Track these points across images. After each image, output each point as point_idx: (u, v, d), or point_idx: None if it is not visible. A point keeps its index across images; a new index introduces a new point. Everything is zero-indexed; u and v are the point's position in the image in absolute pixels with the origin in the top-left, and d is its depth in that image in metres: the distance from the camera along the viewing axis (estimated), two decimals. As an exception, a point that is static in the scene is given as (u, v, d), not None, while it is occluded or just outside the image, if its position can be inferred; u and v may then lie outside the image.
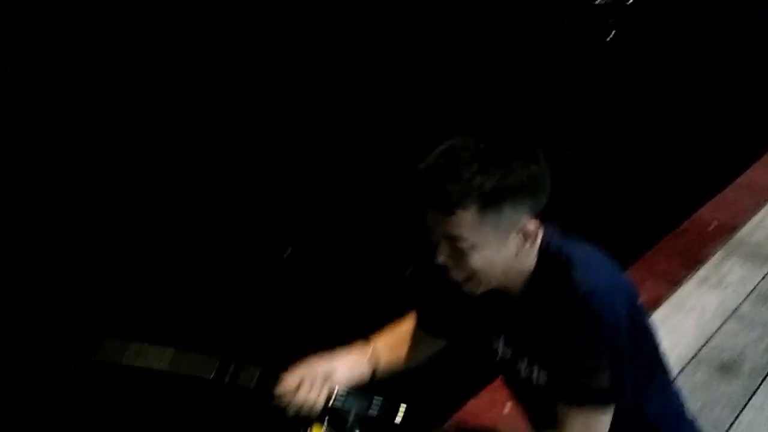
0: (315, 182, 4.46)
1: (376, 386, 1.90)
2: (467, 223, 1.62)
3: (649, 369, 1.86)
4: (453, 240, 1.66)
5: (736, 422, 2.79)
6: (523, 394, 1.91)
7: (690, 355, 3.12)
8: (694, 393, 2.86)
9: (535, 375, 1.79)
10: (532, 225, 1.68)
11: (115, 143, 4.95)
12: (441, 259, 1.70)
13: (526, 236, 1.68)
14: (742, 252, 3.90)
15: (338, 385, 1.85)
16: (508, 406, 2.73)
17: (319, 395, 1.82)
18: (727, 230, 4.08)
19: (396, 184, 4.32)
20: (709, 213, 4.25)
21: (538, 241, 1.72)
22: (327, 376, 1.85)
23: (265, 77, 5.62)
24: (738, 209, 4.30)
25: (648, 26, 7.45)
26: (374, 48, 5.86)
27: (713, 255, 3.85)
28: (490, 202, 1.62)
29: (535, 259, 1.74)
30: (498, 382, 2.76)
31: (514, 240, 1.67)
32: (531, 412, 1.91)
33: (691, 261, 3.79)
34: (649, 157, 5.23)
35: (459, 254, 1.67)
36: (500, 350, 1.86)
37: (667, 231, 4.06)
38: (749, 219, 4.20)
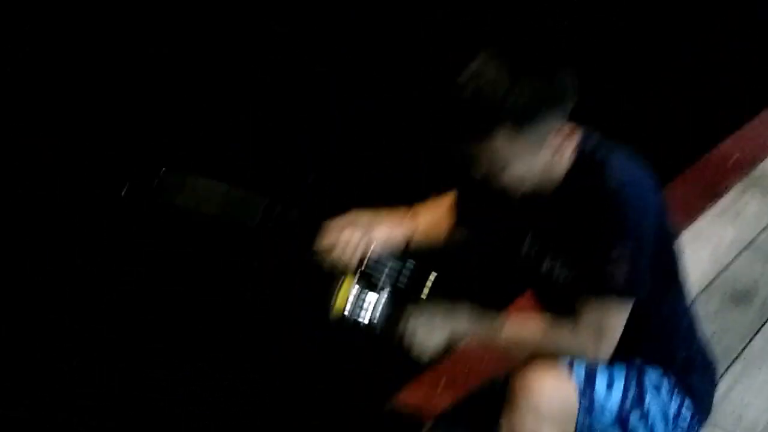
0: (315, 182, 4.45)
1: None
2: (502, 142, 1.70)
3: (669, 275, 1.94)
4: (489, 156, 1.74)
5: (747, 349, 2.89)
6: (541, 291, 1.99)
7: (704, 284, 3.20)
8: (707, 321, 2.92)
9: (556, 272, 1.87)
10: (563, 129, 1.76)
11: (114, 143, 4.94)
12: (479, 173, 1.78)
13: (560, 141, 1.76)
14: (762, 186, 3.96)
15: (375, 243, 1.93)
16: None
17: (356, 250, 1.91)
18: (747, 164, 4.13)
19: (396, 184, 4.38)
20: (730, 146, 4.30)
21: (573, 143, 1.80)
22: (367, 232, 1.93)
23: (265, 77, 5.60)
24: (760, 143, 4.35)
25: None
26: (374, 48, 5.81)
27: (732, 188, 3.92)
28: (523, 118, 1.69)
29: (571, 161, 1.81)
30: (521, 306, 2.89)
31: (547, 146, 1.75)
32: (548, 310, 1.98)
33: (710, 193, 3.86)
34: (673, 90, 5.22)
35: (496, 168, 1.75)
36: (525, 247, 1.94)
37: (689, 163, 4.11)
38: (770, 154, 4.25)
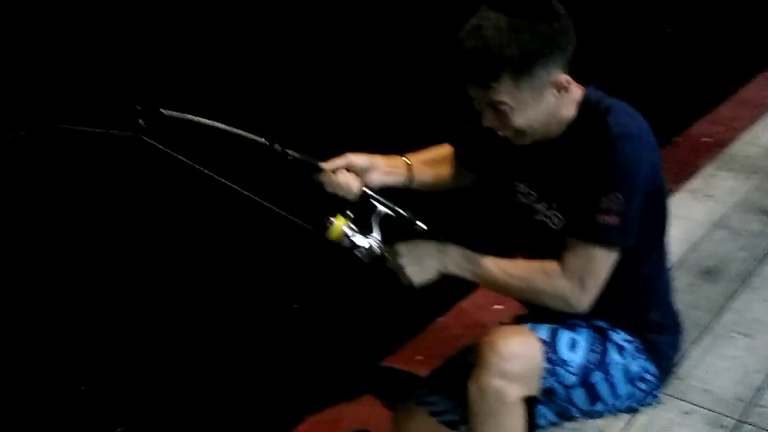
0: (315, 182, 4.48)
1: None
2: (504, 91, 1.76)
3: (655, 235, 1.99)
4: (494, 106, 1.80)
5: (715, 322, 2.94)
6: (535, 237, 2.03)
7: (675, 260, 3.25)
8: (679, 295, 3.01)
9: (552, 219, 1.93)
10: (564, 77, 1.81)
11: (114, 143, 4.93)
12: (486, 123, 1.84)
13: (561, 88, 1.82)
14: (733, 166, 4.03)
15: (372, 183, 2.02)
16: (497, 307, 2.93)
17: (355, 181, 1.98)
18: (719, 144, 4.21)
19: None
20: (702, 128, 4.38)
21: (576, 90, 1.86)
22: (366, 170, 2.01)
23: (265, 77, 5.60)
24: (732, 125, 4.42)
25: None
26: (374, 48, 5.81)
27: (704, 167, 3.99)
28: (522, 67, 1.74)
29: (576, 109, 1.88)
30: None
31: (550, 94, 1.81)
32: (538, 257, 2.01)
33: (683, 173, 3.93)
34: (647, 73, 5.29)
35: (502, 116, 1.81)
36: (521, 194, 2.00)
37: (662, 145, 4.17)
38: (742, 134, 4.32)
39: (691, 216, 3.56)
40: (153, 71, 5.52)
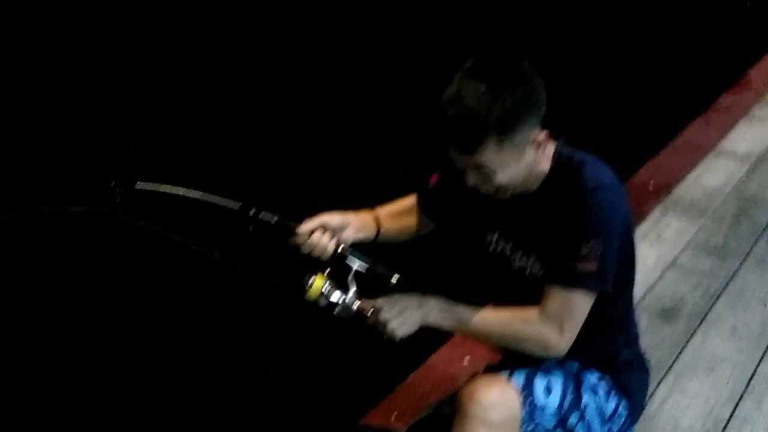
0: (315, 182, 4.52)
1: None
2: (488, 154, 1.83)
3: (626, 277, 2.07)
4: (478, 168, 1.87)
5: (677, 362, 3.04)
6: (509, 285, 2.09)
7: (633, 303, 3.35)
8: (640, 336, 3.11)
9: (529, 266, 1.99)
10: (541, 134, 1.89)
11: (114, 143, 4.95)
12: (470, 182, 1.91)
13: (539, 144, 1.90)
14: (679, 208, 4.16)
15: (346, 241, 2.06)
16: (467, 360, 2.98)
17: (330, 242, 2.02)
18: (664, 188, 4.35)
19: (396, 184, 4.44)
20: (647, 173, 4.52)
21: (550, 146, 1.95)
22: (339, 229, 2.05)
23: (265, 77, 5.64)
24: (674, 170, 4.58)
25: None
26: (374, 48, 5.88)
27: (652, 212, 4.12)
28: (505, 131, 1.82)
29: (550, 162, 1.96)
30: (457, 339, 3.00)
31: (530, 150, 1.89)
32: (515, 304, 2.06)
33: (632, 217, 4.03)
34: (593, 122, 5.43)
35: (485, 176, 1.88)
36: (493, 243, 2.07)
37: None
38: (684, 178, 4.48)
39: (644, 259, 3.66)
40: (152, 71, 5.51)
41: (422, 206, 2.25)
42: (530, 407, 1.96)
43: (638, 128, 5.20)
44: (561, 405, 2.00)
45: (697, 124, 5.12)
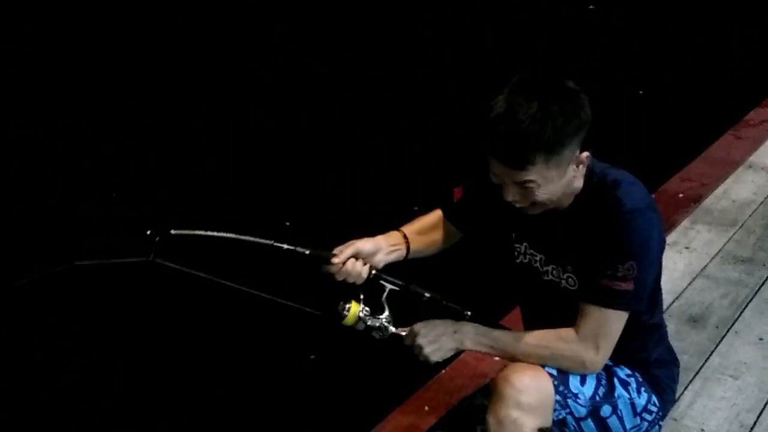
0: (314, 182, 4.56)
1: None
2: (535, 171, 1.88)
3: (657, 290, 2.16)
4: (521, 183, 1.91)
5: (705, 366, 3.09)
6: (540, 296, 2.15)
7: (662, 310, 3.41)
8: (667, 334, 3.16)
9: (564, 280, 2.05)
10: (585, 154, 1.95)
11: (114, 143, 5.00)
12: (508, 197, 1.95)
13: (579, 164, 1.95)
14: (708, 219, 4.21)
15: (378, 264, 2.12)
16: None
17: (363, 268, 2.07)
18: (693, 200, 4.40)
19: (396, 184, 4.39)
20: (676, 185, 4.58)
21: (586, 164, 1.98)
22: (371, 254, 2.11)
23: (265, 77, 5.67)
24: (703, 181, 4.63)
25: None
26: (374, 48, 5.90)
27: (681, 222, 4.17)
28: (554, 150, 1.86)
29: (585, 181, 2.01)
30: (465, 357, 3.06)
31: (571, 169, 1.94)
32: (540, 316, 2.14)
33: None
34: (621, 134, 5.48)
35: (526, 192, 1.93)
36: (522, 254, 2.13)
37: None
38: (713, 190, 4.53)
39: (673, 268, 3.71)
40: (152, 71, 5.54)
41: (452, 219, 2.29)
42: (563, 394, 2.01)
43: (670, 142, 5.24)
44: (594, 395, 2.06)
45: (727, 137, 5.18)
